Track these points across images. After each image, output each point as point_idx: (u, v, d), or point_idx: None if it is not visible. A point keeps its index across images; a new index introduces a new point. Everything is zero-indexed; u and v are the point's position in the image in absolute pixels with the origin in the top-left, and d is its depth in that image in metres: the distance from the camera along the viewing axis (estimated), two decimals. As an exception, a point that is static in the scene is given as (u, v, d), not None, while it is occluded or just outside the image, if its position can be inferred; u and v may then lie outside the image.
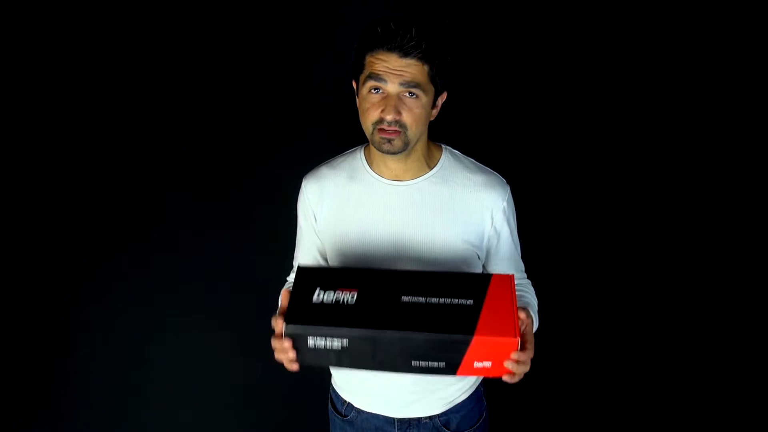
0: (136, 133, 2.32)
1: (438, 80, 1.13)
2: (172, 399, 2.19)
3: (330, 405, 1.39)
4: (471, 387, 1.32)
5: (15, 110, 2.30)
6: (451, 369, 1.00)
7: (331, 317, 0.96)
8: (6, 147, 2.30)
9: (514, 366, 0.97)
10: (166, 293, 2.28)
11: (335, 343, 0.96)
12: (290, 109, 2.30)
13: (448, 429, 1.30)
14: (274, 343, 1.00)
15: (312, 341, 0.96)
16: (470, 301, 0.99)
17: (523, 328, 1.00)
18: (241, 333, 2.24)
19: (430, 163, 1.23)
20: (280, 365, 1.12)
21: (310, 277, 1.02)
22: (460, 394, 1.30)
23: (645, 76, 2.17)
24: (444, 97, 1.19)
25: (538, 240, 1.68)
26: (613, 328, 2.17)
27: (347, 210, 1.23)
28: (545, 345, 1.43)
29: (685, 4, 2.14)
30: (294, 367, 1.01)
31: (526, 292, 1.30)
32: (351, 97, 1.22)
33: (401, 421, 1.29)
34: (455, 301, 0.99)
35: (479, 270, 1.30)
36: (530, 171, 2.14)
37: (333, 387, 1.38)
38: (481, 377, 1.34)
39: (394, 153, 1.13)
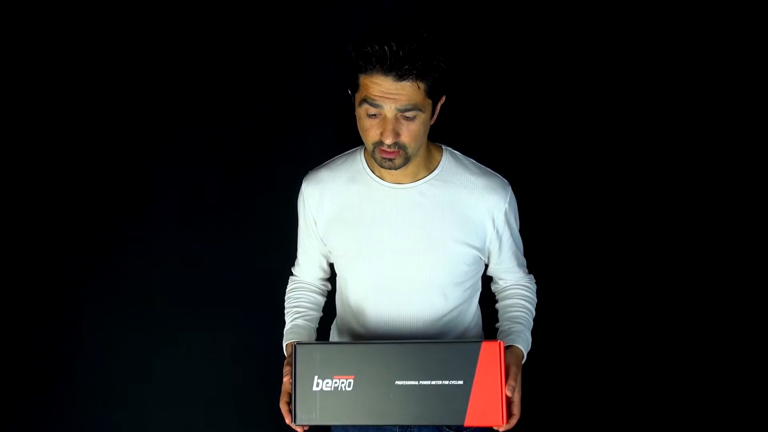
0: (134, 132, 2.32)
1: (436, 92, 1.09)
2: (171, 399, 2.19)
3: (330, 405, 1.39)
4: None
5: (14, 109, 2.30)
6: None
7: (332, 411, 1.07)
8: (4, 146, 2.30)
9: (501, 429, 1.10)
10: (165, 293, 2.28)
11: (339, 425, 1.13)
12: (290, 109, 2.30)
13: (449, 429, 1.30)
14: (286, 415, 1.14)
15: (319, 424, 1.10)
16: (460, 382, 1.05)
17: (510, 396, 1.09)
18: (241, 333, 2.24)
19: (430, 165, 1.22)
20: (280, 365, 1.16)
21: (309, 360, 1.09)
22: (461, 395, 1.30)
23: (646, 76, 2.17)
24: (443, 100, 1.17)
25: (540, 238, 1.68)
26: (613, 327, 2.17)
27: (347, 213, 1.23)
28: (545, 344, 1.43)
29: (685, 4, 2.13)
30: (305, 427, 1.14)
31: (526, 302, 1.31)
32: (351, 96, 1.22)
33: (402, 420, 1.29)
34: (446, 382, 1.05)
35: (482, 269, 1.30)
36: (531, 169, 2.14)
37: (333, 387, 1.38)
38: None
39: (395, 169, 1.14)
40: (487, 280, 1.38)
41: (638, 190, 2.18)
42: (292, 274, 1.43)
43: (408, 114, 1.07)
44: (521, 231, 1.32)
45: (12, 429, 2.18)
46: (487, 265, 1.34)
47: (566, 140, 2.19)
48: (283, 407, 1.14)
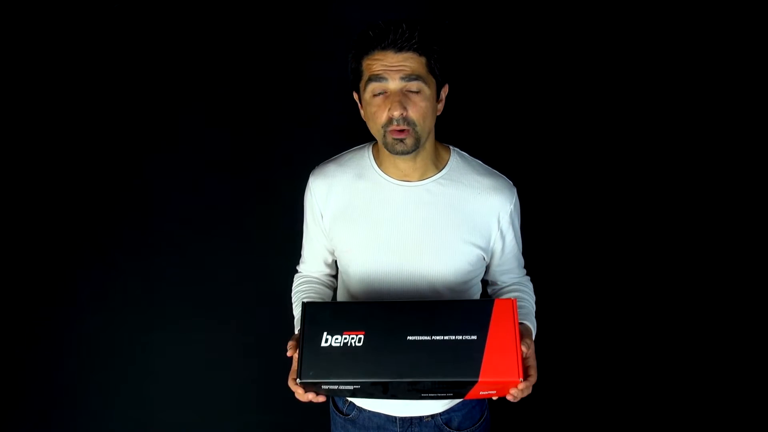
0: (136, 132, 2.32)
1: (437, 71, 1.12)
2: (171, 399, 2.19)
3: (331, 404, 1.39)
4: (472, 386, 1.33)
5: (14, 109, 2.30)
6: (458, 396, 1.09)
7: (340, 366, 1.01)
8: (4, 146, 2.30)
9: (518, 393, 1.04)
10: (165, 293, 2.28)
11: (348, 387, 1.03)
12: (291, 108, 2.30)
13: (450, 427, 1.30)
14: (293, 386, 1.06)
15: (326, 386, 1.03)
16: (474, 336, 1.01)
17: (525, 354, 1.04)
18: (241, 332, 2.24)
19: (438, 164, 1.22)
20: (280, 363, 1.14)
21: (317, 317, 1.04)
22: (462, 393, 1.30)
23: (651, 77, 2.17)
24: (446, 90, 1.18)
25: (542, 240, 1.68)
26: (613, 328, 2.17)
27: (354, 209, 1.23)
28: (546, 345, 1.43)
29: (685, 4, 2.14)
30: (319, 399, 1.07)
31: (525, 296, 1.31)
32: (352, 95, 1.22)
33: (403, 419, 1.29)
34: (459, 337, 1.01)
35: (484, 270, 1.31)
36: (536, 172, 2.14)
37: (335, 386, 1.38)
38: None
39: (407, 153, 1.13)
40: (484, 284, 1.38)
41: (641, 192, 2.19)
42: (297, 272, 1.42)
43: (412, 86, 1.09)
44: (523, 231, 1.33)
45: (12, 429, 2.18)
46: (487, 268, 1.34)
47: (571, 142, 2.20)
48: (291, 376, 1.07)
